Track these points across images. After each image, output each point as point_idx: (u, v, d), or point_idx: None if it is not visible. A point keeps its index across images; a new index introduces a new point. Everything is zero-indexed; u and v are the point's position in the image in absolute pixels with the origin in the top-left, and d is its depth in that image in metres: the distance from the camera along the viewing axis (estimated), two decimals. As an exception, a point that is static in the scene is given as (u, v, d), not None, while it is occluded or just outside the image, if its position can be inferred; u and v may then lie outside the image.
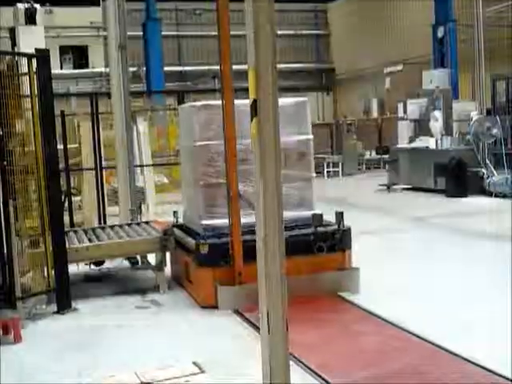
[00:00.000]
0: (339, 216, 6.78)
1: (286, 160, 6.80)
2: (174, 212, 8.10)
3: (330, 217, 6.98)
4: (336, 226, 6.77)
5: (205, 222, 6.75)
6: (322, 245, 6.62)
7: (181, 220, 7.92)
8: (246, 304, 5.92)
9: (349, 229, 6.82)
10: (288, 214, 6.75)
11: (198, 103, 6.93)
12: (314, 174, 7.26)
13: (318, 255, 6.62)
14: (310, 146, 7.10)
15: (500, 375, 4.38)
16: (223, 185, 6.43)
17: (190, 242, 6.78)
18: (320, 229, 6.73)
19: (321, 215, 6.82)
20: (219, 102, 6.34)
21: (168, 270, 7.54)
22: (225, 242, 6.38)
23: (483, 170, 14.08)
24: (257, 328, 4.70)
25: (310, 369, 4.66)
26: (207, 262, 6.39)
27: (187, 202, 7.64)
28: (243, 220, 6.22)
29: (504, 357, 4.67)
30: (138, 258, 8.12)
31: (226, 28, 6.14)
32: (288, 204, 6.77)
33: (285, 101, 6.93)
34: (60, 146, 8.60)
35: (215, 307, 6.24)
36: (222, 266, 6.36)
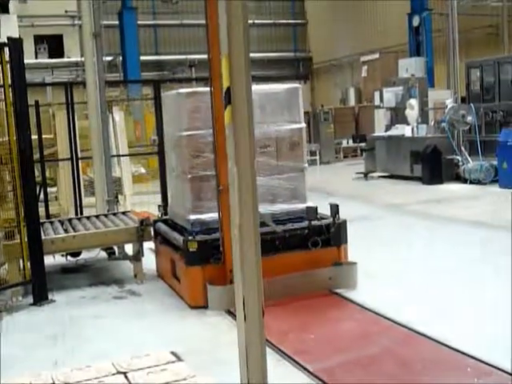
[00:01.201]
0: (334, 208, 6.47)
1: (278, 150, 6.54)
2: (159, 206, 7.84)
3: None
4: (331, 219, 6.49)
5: (193, 216, 6.35)
6: (317, 239, 6.34)
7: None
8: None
9: (344, 222, 6.53)
10: (280, 207, 6.59)
11: (185, 90, 6.48)
12: (307, 165, 6.90)
13: (313, 250, 6.32)
14: (302, 135, 6.74)
15: (473, 357, 4.46)
16: (212, 177, 6.06)
17: (178, 238, 6.42)
18: (314, 222, 6.45)
19: (315, 208, 6.55)
20: (207, 89, 5.91)
21: (153, 267, 7.49)
22: (214, 238, 6.03)
23: (458, 157, 14.22)
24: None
25: (286, 355, 4.70)
26: (196, 260, 6.02)
27: (173, 195, 7.23)
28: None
29: (476, 337, 4.77)
30: (116, 248, 8.08)
31: (214, 14, 5.80)
32: (280, 196, 6.58)
33: (276, 87, 6.69)
34: (35, 137, 8.53)
35: (205, 307, 5.94)
36: (212, 264, 6.01)
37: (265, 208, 6.23)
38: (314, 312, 5.77)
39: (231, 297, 5.65)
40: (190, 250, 6.02)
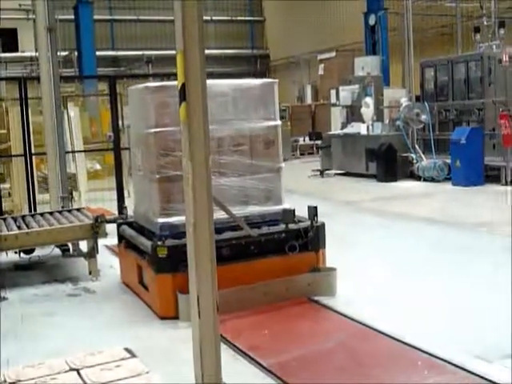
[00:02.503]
0: (312, 211, 6.12)
1: (252, 149, 6.15)
2: (123, 207, 7.52)
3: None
4: (309, 223, 6.13)
5: (161, 220, 5.86)
6: (294, 243, 5.99)
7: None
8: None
9: (323, 225, 6.17)
10: (254, 210, 6.15)
11: (153, 84, 6.07)
12: (283, 164, 6.45)
13: (289, 256, 5.97)
14: (278, 133, 6.37)
15: (423, 351, 4.56)
16: (182, 177, 5.77)
17: (145, 243, 5.98)
18: (292, 226, 6.08)
19: (293, 211, 6.17)
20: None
21: (108, 263, 7.44)
22: (185, 243, 5.70)
23: (412, 155, 14.45)
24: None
25: (241, 351, 4.73)
26: (166, 267, 5.56)
27: (138, 195, 6.74)
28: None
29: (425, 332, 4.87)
30: (70, 245, 7.99)
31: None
32: (254, 198, 6.19)
33: (251, 82, 6.36)
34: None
35: (177, 318, 5.49)
36: (183, 271, 5.36)
37: (238, 210, 5.79)
38: (287, 320, 5.51)
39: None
40: (160, 255, 5.60)
